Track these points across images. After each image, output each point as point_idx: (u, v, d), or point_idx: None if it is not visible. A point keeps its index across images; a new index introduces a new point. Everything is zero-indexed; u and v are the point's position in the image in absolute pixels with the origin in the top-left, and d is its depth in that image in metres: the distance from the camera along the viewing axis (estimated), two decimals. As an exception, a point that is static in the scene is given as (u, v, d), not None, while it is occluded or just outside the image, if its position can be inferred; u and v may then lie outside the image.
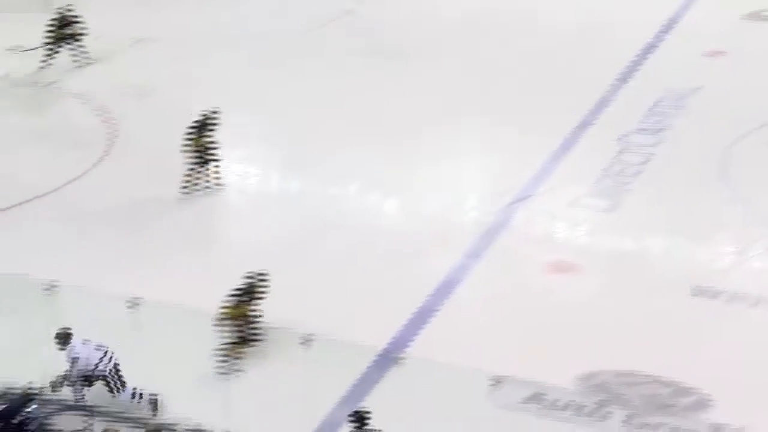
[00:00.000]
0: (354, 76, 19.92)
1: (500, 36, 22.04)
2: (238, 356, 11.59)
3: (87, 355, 10.73)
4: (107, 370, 10.75)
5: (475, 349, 11.86)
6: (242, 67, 20.30)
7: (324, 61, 20.72)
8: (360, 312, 12.61)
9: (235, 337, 11.64)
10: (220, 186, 15.79)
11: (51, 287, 10.88)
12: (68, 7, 20.11)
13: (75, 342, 10.74)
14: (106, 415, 10.56)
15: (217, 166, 15.72)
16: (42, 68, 19.52)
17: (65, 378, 10.76)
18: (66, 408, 10.51)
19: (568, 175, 16.09)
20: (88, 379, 10.76)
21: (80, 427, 10.24)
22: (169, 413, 10.47)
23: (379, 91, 19.19)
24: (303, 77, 19.86)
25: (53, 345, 10.87)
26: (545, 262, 13.85)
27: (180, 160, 15.82)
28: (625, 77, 19.61)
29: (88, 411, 10.25)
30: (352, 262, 13.75)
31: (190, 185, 15.54)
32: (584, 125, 17.66)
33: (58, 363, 10.79)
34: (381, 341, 11.87)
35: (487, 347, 11.98)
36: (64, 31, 19.76)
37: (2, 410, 9.79)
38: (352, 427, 9.78)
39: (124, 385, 10.80)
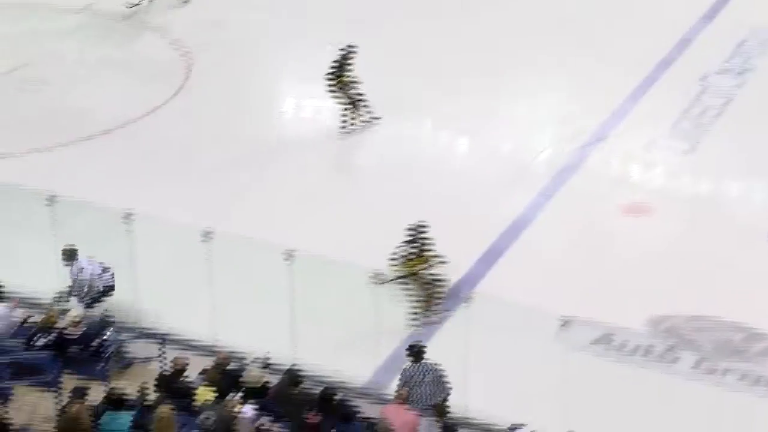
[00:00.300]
0: (430, 20, 19.51)
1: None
2: (428, 308, 11.66)
3: (91, 271, 11.28)
4: (110, 286, 11.37)
5: (544, 290, 11.89)
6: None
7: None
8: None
9: (420, 292, 11.66)
10: (374, 118, 15.73)
11: (127, 216, 11.13)
12: None
13: (81, 259, 11.28)
14: (179, 342, 10.89)
15: (361, 103, 15.65)
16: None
17: (70, 292, 11.29)
18: (140, 335, 10.85)
19: (646, 116, 15.88)
20: (93, 295, 11.31)
21: (154, 354, 10.57)
22: (236, 344, 10.71)
23: (450, 38, 18.73)
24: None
25: (128, 272, 11.20)
26: (619, 204, 13.77)
27: (254, 95, 16.04)
28: (710, 15, 19.15)
29: (160, 339, 10.56)
30: (424, 201, 13.82)
31: (348, 124, 15.61)
32: (665, 65, 17.33)
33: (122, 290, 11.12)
34: (451, 278, 11.96)
35: (556, 288, 12.00)
36: None
37: (81, 335, 10.14)
38: (409, 360, 9.94)
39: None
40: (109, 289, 11.43)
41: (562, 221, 13.47)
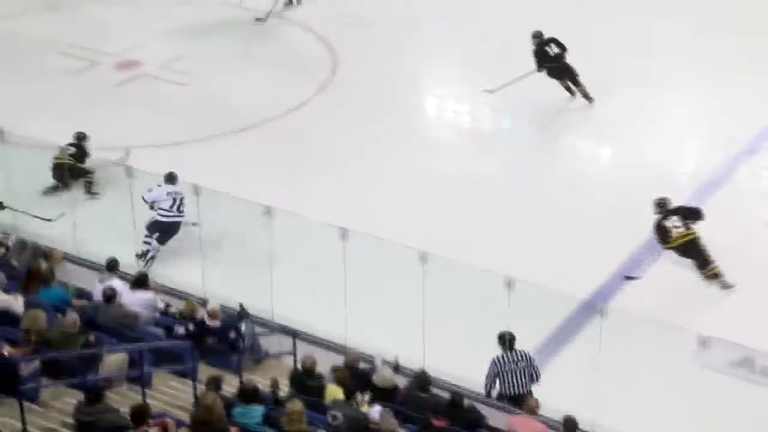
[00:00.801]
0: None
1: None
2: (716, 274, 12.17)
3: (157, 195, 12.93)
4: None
5: (682, 307, 11.64)
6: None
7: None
8: (566, 260, 12.58)
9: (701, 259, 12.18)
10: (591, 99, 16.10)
11: (268, 212, 11.39)
12: None
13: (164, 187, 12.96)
14: (307, 340, 11.11)
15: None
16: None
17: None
18: (274, 330, 11.12)
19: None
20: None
21: (287, 349, 10.81)
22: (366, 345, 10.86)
23: (602, 42, 18.60)
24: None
25: (268, 270, 11.52)
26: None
27: (398, 90, 16.19)
28: None
29: (292, 334, 10.79)
30: (562, 210, 13.70)
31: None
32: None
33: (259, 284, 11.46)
34: (586, 290, 11.83)
35: (695, 305, 11.74)
36: None
37: (219, 327, 10.47)
38: (500, 349, 10.18)
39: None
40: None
41: (707, 237, 13.10)
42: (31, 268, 11.07)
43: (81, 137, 14.29)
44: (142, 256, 12.90)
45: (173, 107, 16.58)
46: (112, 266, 11.47)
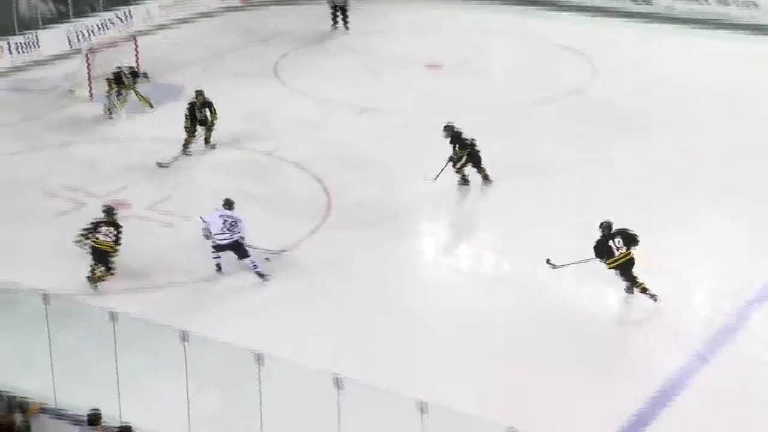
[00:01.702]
0: (585, 149, 20.06)
1: (753, 117, 21.65)
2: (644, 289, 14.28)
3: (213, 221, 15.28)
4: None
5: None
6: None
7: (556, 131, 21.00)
8: (572, 407, 12.19)
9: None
10: None
11: (258, 359, 11.07)
12: None
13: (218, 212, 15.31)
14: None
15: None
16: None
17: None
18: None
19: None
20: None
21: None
22: None
23: (606, 165, 19.20)
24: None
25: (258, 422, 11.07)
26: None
27: (393, 231, 16.13)
28: None
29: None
30: (568, 350, 13.35)
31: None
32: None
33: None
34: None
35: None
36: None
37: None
38: None
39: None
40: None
41: (719, 389, 12.72)
42: (3, 422, 10.60)
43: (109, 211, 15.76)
44: (217, 269, 15.52)
45: (162, 248, 16.41)
46: (94, 419, 10.97)
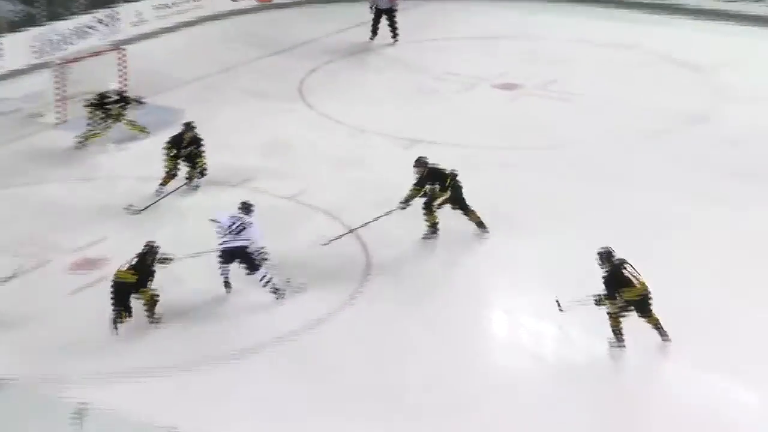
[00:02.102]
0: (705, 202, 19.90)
1: None
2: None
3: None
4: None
5: None
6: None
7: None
8: None
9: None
10: None
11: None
12: None
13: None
14: None
15: None
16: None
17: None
18: None
19: None
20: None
21: None
22: None
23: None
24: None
25: None
26: None
27: (453, 304, 15.99)
28: None
29: None
30: None
31: None
32: None
33: None
34: None
35: None
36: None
37: None
38: None
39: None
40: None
41: None
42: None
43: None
44: (226, 284, 16.80)
45: (147, 325, 16.29)
46: None
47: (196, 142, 20.27)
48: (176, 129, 20.92)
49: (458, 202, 18.60)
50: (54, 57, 25.25)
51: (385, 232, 18.63)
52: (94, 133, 22.08)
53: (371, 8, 28.92)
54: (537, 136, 22.68)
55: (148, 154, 21.58)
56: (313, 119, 24.08)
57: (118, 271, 15.91)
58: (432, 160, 18.71)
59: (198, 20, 30.24)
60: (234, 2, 31.12)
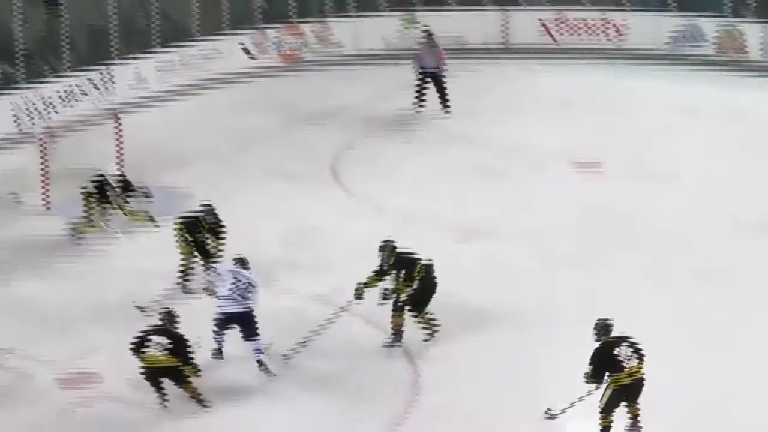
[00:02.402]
0: None
1: None
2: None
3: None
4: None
5: None
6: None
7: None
8: None
9: None
10: None
11: None
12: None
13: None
14: None
15: None
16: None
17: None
18: None
19: None
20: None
21: None
22: None
23: None
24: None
25: None
26: None
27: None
28: None
29: None
30: None
31: None
32: None
33: None
34: None
35: None
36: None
37: None
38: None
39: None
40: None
41: None
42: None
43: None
44: (217, 353, 17.78)
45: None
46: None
47: (216, 229, 20.39)
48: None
49: (421, 302, 18.81)
50: (36, 126, 25.48)
51: (437, 341, 18.68)
52: (91, 226, 22.14)
53: (416, 71, 29.07)
54: (623, 227, 22.63)
55: (150, 245, 21.79)
56: (348, 204, 24.25)
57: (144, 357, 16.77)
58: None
59: (209, 82, 30.48)
60: (252, 60, 31.33)
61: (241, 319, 17.50)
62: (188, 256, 20.36)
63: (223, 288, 17.63)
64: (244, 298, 17.55)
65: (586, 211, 23.65)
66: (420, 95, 29.24)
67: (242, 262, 17.90)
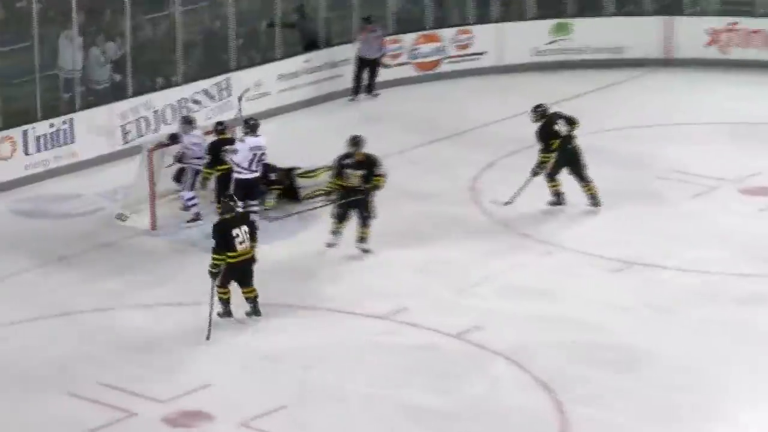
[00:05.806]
0: None
1: None
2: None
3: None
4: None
5: None
6: None
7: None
8: None
9: None
10: None
11: None
12: None
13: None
14: None
15: None
16: None
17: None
18: None
19: None
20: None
21: None
22: None
23: None
24: None
25: None
26: None
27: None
28: None
29: None
30: None
31: None
32: None
33: None
34: None
35: None
36: None
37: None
38: None
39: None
40: None
41: None
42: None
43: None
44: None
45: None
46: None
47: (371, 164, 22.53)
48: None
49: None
50: (144, 140, 25.76)
51: (583, 378, 18.67)
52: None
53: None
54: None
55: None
56: (488, 229, 24.28)
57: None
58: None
59: (335, 94, 30.65)
60: (383, 68, 31.42)
61: (253, 185, 23.14)
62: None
63: (244, 159, 22.91)
64: (254, 170, 23.10)
65: (755, 241, 23.56)
66: (357, 85, 30.74)
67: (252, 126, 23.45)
